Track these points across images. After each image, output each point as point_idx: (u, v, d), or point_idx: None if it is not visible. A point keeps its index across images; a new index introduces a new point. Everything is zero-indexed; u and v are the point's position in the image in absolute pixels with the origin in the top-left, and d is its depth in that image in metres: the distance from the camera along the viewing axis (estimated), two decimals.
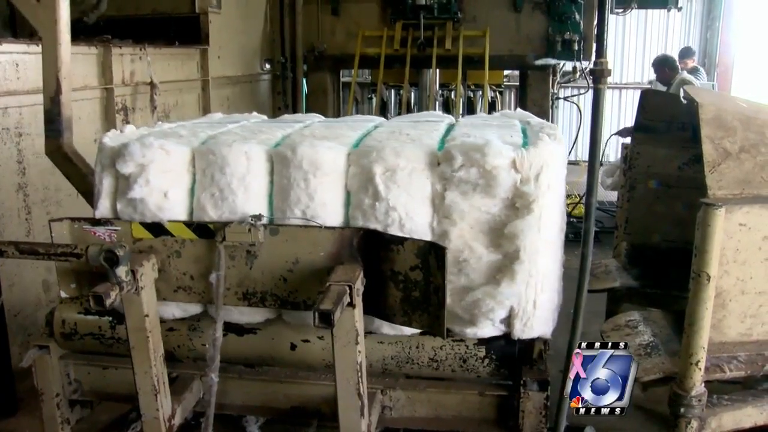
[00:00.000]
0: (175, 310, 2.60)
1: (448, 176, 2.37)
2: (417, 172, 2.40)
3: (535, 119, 3.05)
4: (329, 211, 2.44)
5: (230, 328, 2.57)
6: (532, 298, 2.38)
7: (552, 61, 6.56)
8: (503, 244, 2.36)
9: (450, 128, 2.90)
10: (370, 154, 2.41)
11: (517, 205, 2.34)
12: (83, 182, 3.65)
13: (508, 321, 2.43)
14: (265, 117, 3.49)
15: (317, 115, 3.61)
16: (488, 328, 2.44)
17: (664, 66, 7.31)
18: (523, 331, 2.42)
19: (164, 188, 2.47)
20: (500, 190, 2.33)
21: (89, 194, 3.92)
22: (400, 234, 2.35)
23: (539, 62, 6.57)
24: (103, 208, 2.55)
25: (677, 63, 7.53)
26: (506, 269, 2.35)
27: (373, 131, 2.81)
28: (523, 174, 2.31)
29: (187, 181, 2.53)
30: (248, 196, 2.46)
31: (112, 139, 2.62)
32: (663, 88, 7.25)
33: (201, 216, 2.48)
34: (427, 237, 2.40)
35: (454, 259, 2.37)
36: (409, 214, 2.39)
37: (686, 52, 9.40)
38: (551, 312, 2.48)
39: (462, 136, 2.54)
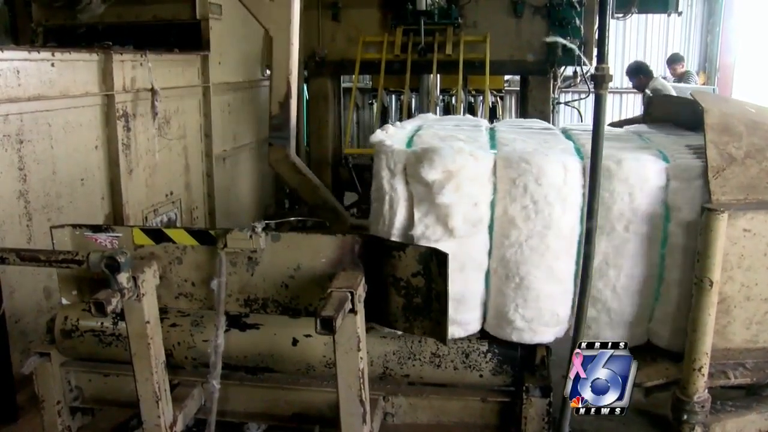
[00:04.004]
0: (456, 329, 2.50)
1: None
2: None
3: None
4: (650, 226, 2.39)
5: (233, 323, 2.58)
6: None
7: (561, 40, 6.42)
8: None
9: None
10: (695, 169, 2.32)
11: None
12: (314, 194, 3.41)
13: None
14: (485, 121, 3.32)
15: (540, 121, 3.55)
16: None
17: (638, 73, 7.37)
18: None
19: (473, 197, 2.38)
20: None
21: (318, 207, 3.67)
22: None
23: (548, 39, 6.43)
24: (399, 217, 2.45)
25: (650, 68, 7.57)
26: None
27: (657, 142, 2.76)
28: None
29: (489, 190, 2.44)
30: (565, 209, 2.40)
31: (391, 140, 2.51)
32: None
33: (507, 229, 2.39)
34: None
35: None
36: None
37: (675, 58, 9.51)
38: None
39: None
